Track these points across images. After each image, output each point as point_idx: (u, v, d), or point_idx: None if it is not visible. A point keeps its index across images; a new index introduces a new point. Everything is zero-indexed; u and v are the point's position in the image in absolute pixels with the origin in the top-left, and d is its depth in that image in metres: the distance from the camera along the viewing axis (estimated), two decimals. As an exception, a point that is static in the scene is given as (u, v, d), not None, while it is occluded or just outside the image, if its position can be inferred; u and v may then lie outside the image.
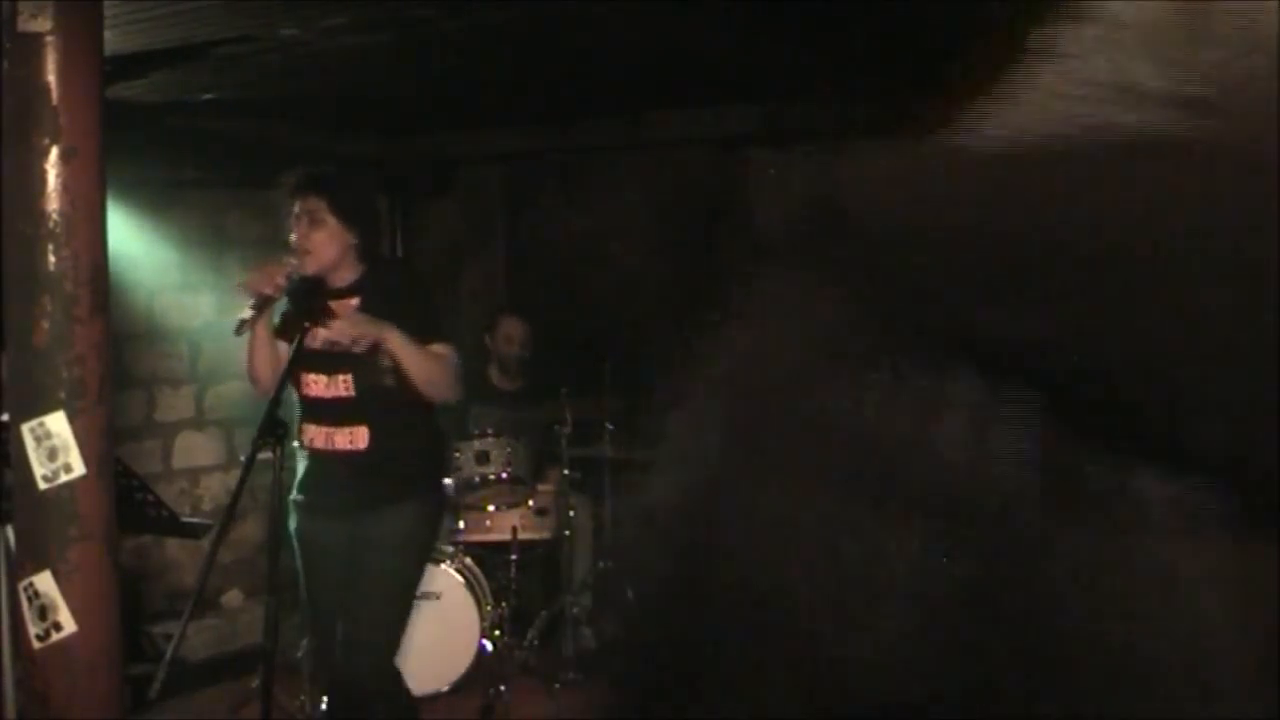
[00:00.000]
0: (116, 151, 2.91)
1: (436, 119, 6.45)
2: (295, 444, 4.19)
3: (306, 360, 4.05)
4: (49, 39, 2.69)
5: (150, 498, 3.89)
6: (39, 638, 2.78)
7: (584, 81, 5.25)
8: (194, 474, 6.45)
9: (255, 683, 4.89)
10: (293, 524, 4.22)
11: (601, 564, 6.01)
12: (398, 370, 3.96)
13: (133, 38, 3.86)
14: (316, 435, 4.11)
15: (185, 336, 6.40)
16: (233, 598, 6.32)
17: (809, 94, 5.06)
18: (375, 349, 3.98)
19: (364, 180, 4.29)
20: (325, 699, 4.88)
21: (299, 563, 4.26)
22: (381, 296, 4.04)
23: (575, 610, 5.84)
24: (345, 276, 4.11)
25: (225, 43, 4.04)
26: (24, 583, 2.78)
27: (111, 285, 2.88)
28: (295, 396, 4.14)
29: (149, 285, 6.15)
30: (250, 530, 6.36)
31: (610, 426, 6.04)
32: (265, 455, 3.76)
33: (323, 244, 4.03)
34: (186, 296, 6.39)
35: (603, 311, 5.95)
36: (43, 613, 2.76)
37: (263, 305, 3.91)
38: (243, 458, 3.52)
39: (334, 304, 4.06)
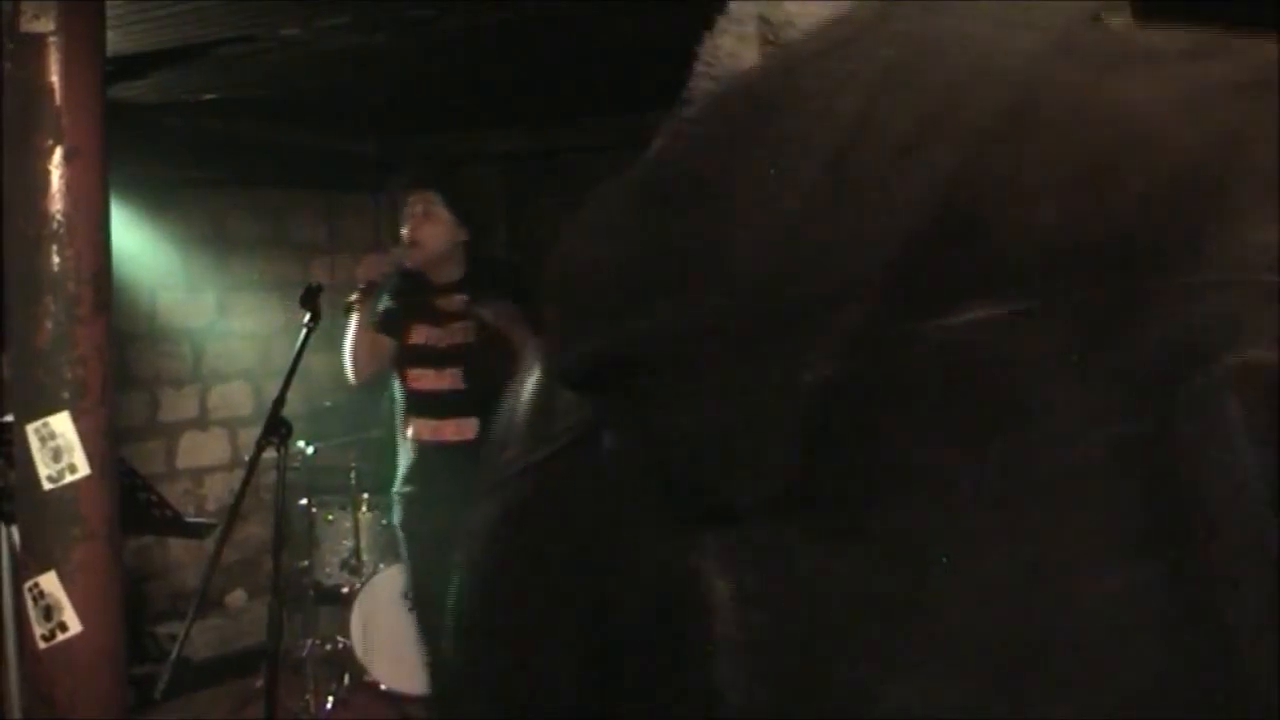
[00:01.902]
0: (118, 152, 2.91)
1: (436, 119, 6.44)
2: (400, 438, 4.34)
3: (412, 355, 4.22)
4: (51, 39, 2.69)
5: (154, 498, 3.91)
6: (44, 638, 2.78)
7: (584, 81, 5.25)
8: (198, 474, 6.46)
9: (259, 683, 4.91)
10: (397, 516, 4.37)
11: None
12: (507, 352, 3.98)
13: (134, 38, 3.86)
14: (424, 428, 4.24)
15: (188, 337, 6.42)
16: (236, 598, 6.34)
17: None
18: (484, 342, 4.09)
19: (481, 179, 4.42)
20: (330, 699, 4.90)
21: (404, 554, 4.41)
22: (486, 295, 4.14)
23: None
24: (452, 272, 4.24)
25: (226, 43, 4.05)
26: (29, 583, 2.78)
27: (114, 285, 2.88)
28: (402, 392, 4.28)
29: (151, 285, 6.17)
30: (254, 530, 6.36)
31: None
32: (269, 455, 3.81)
33: (433, 237, 4.17)
34: (189, 296, 6.40)
35: None
36: (48, 613, 2.76)
37: (369, 291, 4.11)
38: (246, 458, 3.53)
39: (440, 300, 4.21)
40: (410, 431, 4.28)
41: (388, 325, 4.24)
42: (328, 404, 6.66)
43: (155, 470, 6.04)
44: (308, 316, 3.89)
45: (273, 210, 6.79)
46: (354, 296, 4.12)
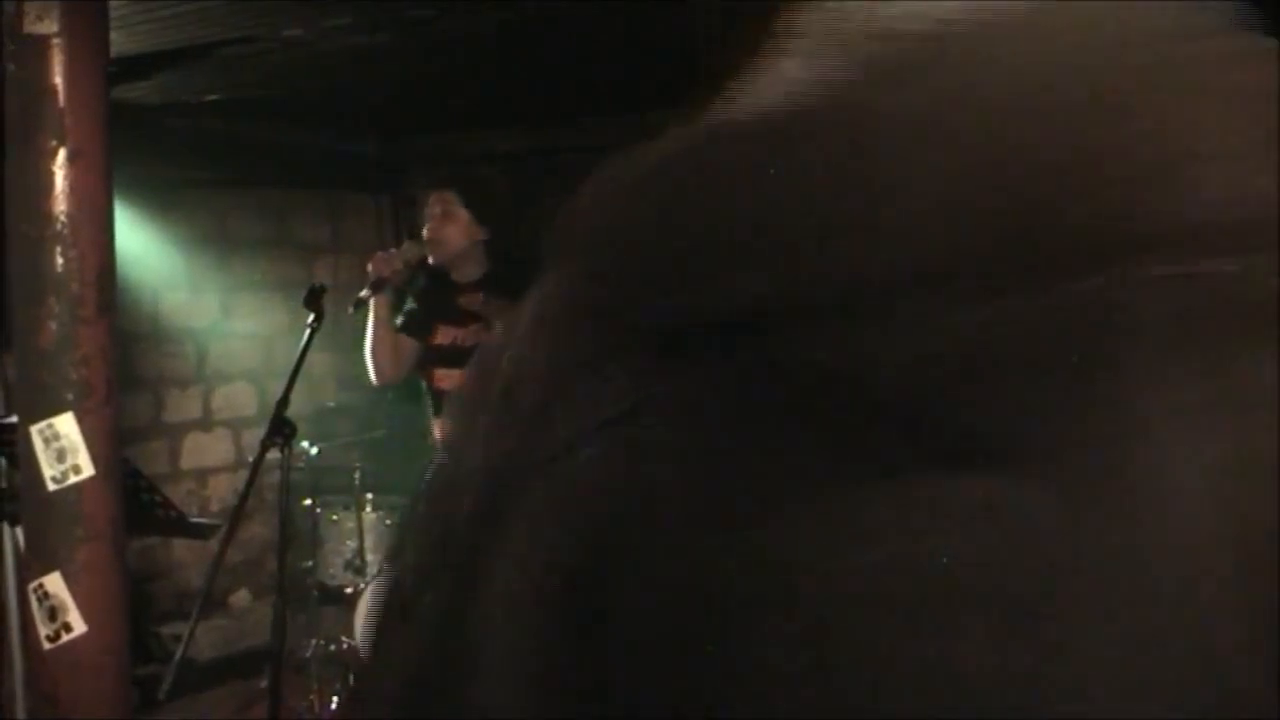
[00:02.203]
0: (121, 152, 2.92)
1: (438, 119, 6.46)
2: (429, 437, 4.35)
3: (438, 355, 4.25)
4: (55, 41, 2.70)
5: (158, 498, 3.91)
6: (49, 638, 2.78)
7: (584, 80, 5.26)
8: (202, 475, 6.47)
9: (263, 683, 4.91)
10: None
11: None
12: None
13: (137, 39, 3.87)
14: None
15: (191, 337, 6.42)
16: (240, 598, 6.34)
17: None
18: None
19: (499, 179, 4.44)
20: (334, 699, 4.90)
21: None
22: (506, 294, 4.11)
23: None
24: (471, 272, 4.26)
25: (228, 44, 4.06)
26: (33, 584, 2.78)
27: (117, 286, 2.88)
28: (427, 393, 4.32)
29: (154, 286, 6.17)
30: (258, 530, 6.37)
31: None
32: (273, 455, 3.81)
33: (453, 236, 4.19)
34: (192, 297, 6.40)
35: None
36: (53, 614, 2.77)
37: (379, 287, 4.09)
38: (250, 458, 3.54)
39: (463, 299, 4.23)
40: (439, 432, 4.27)
41: (411, 326, 4.28)
42: (331, 404, 6.68)
43: (159, 471, 6.04)
44: (311, 317, 3.89)
45: (275, 210, 6.79)
46: (364, 292, 4.11)
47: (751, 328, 0.61)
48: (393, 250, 4.25)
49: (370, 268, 4.14)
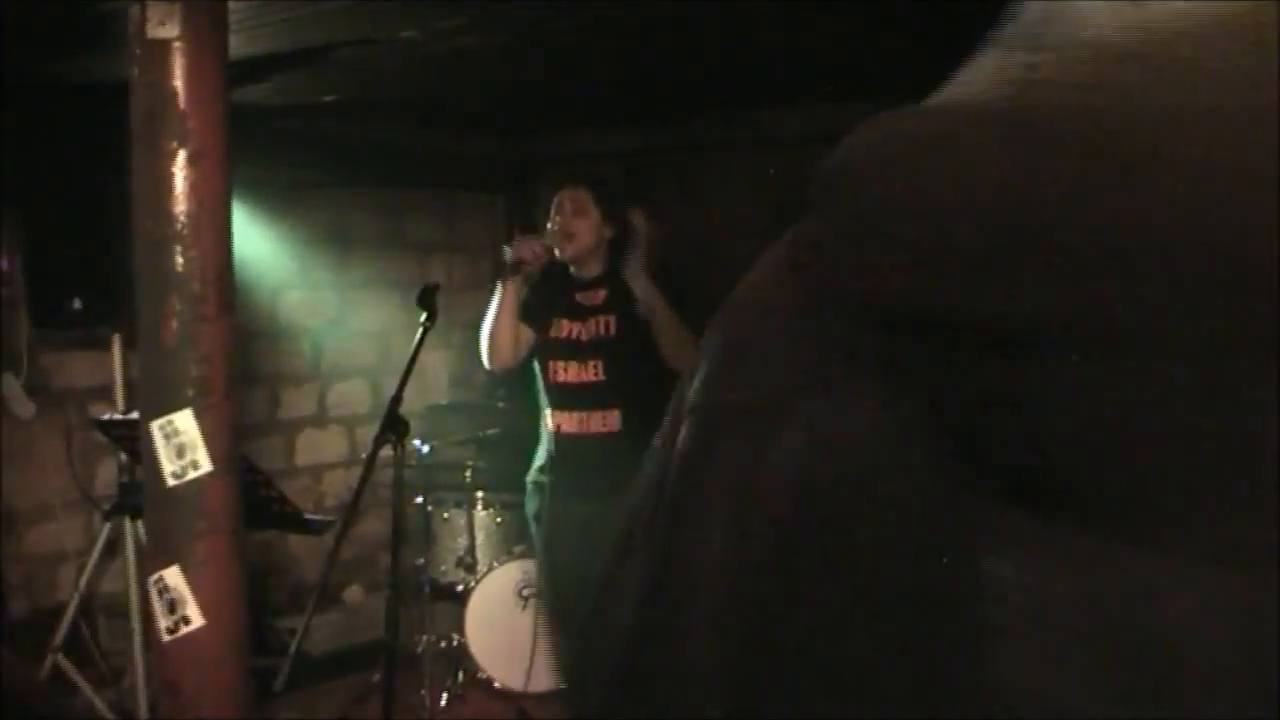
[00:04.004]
0: (240, 154, 2.96)
1: (554, 117, 6.47)
2: (541, 428, 4.44)
3: (554, 348, 4.36)
4: (176, 44, 2.75)
5: (274, 494, 3.97)
6: (169, 630, 2.84)
7: (700, 78, 5.24)
8: (317, 470, 6.57)
9: (376, 677, 4.97)
10: (532, 507, 4.45)
11: None
12: (647, 345, 4.16)
13: (255, 42, 3.93)
14: (567, 420, 4.34)
15: (308, 335, 6.52)
16: (354, 593, 6.42)
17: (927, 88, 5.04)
18: (624, 335, 4.23)
19: (622, 179, 4.58)
20: (445, 695, 4.94)
21: (539, 545, 4.46)
22: (626, 291, 4.26)
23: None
24: (593, 269, 4.38)
25: (345, 45, 4.10)
26: (154, 577, 2.84)
27: (236, 285, 2.92)
28: (543, 384, 4.40)
29: (272, 284, 6.28)
30: (372, 526, 6.45)
31: None
32: (386, 452, 3.86)
33: (584, 231, 4.30)
34: (309, 295, 6.51)
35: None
36: (172, 606, 2.82)
37: (516, 270, 4.23)
38: (364, 455, 3.57)
39: (582, 294, 4.36)
40: (552, 423, 4.36)
41: (530, 316, 4.35)
42: (443, 402, 6.76)
43: (275, 466, 6.13)
44: (424, 315, 3.93)
45: (391, 210, 6.86)
46: (509, 269, 4.22)
47: (984, 344, 0.59)
48: (536, 237, 4.32)
49: (510, 250, 4.23)
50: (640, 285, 4.21)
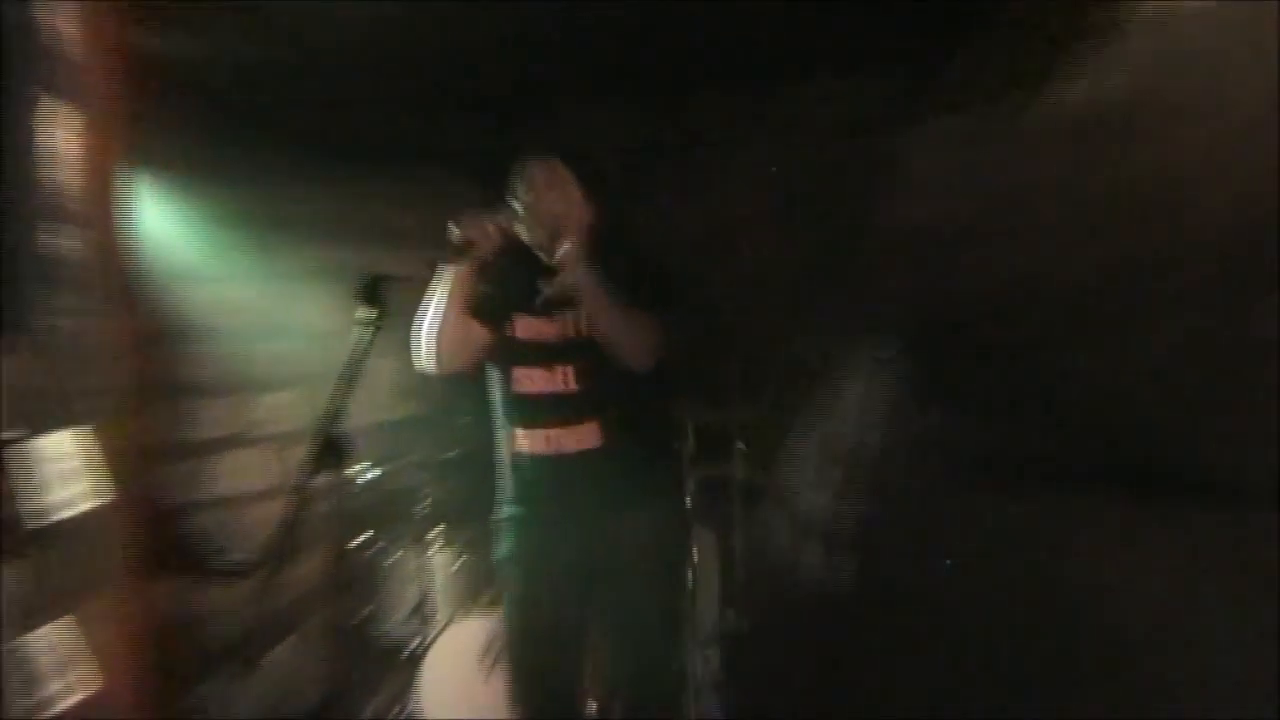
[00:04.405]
0: (147, 114, 2.93)
1: (541, 99, 6.45)
2: (502, 451, 4.40)
3: (515, 351, 4.31)
4: (64, -22, 2.72)
5: (187, 532, 3.94)
6: (54, 698, 2.79)
7: (698, 53, 5.25)
8: (239, 502, 6.45)
9: (313, 753, 4.93)
10: (500, 548, 4.40)
11: (730, 615, 5.95)
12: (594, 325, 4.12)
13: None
14: (533, 439, 4.29)
15: (229, 336, 6.44)
16: (285, 652, 6.37)
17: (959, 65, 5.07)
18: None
19: (610, 158, 4.51)
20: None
21: (513, 590, 4.40)
22: (608, 277, 4.18)
23: (701, 673, 5.80)
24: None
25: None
26: (32, 634, 2.80)
27: (139, 274, 2.89)
28: (503, 396, 4.38)
29: (186, 275, 6.16)
30: (306, 571, 6.34)
31: (741, 444, 5.99)
32: (324, 479, 3.82)
33: (558, 211, 4.27)
34: (231, 288, 6.45)
35: (729, 311, 5.96)
36: (58, 668, 2.78)
37: (461, 254, 4.17)
38: (297, 483, 3.55)
39: (546, 284, 4.32)
40: (518, 443, 4.32)
41: (485, 311, 4.30)
42: (395, 418, 6.70)
43: (188, 497, 5.96)
44: (368, 312, 3.89)
45: (339, 188, 6.81)
46: (453, 253, 4.19)
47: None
48: (488, 214, 4.26)
49: (455, 229, 4.17)
50: (574, 271, 4.17)
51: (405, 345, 6.61)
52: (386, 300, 3.95)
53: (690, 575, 5.81)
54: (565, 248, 4.14)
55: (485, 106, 6.86)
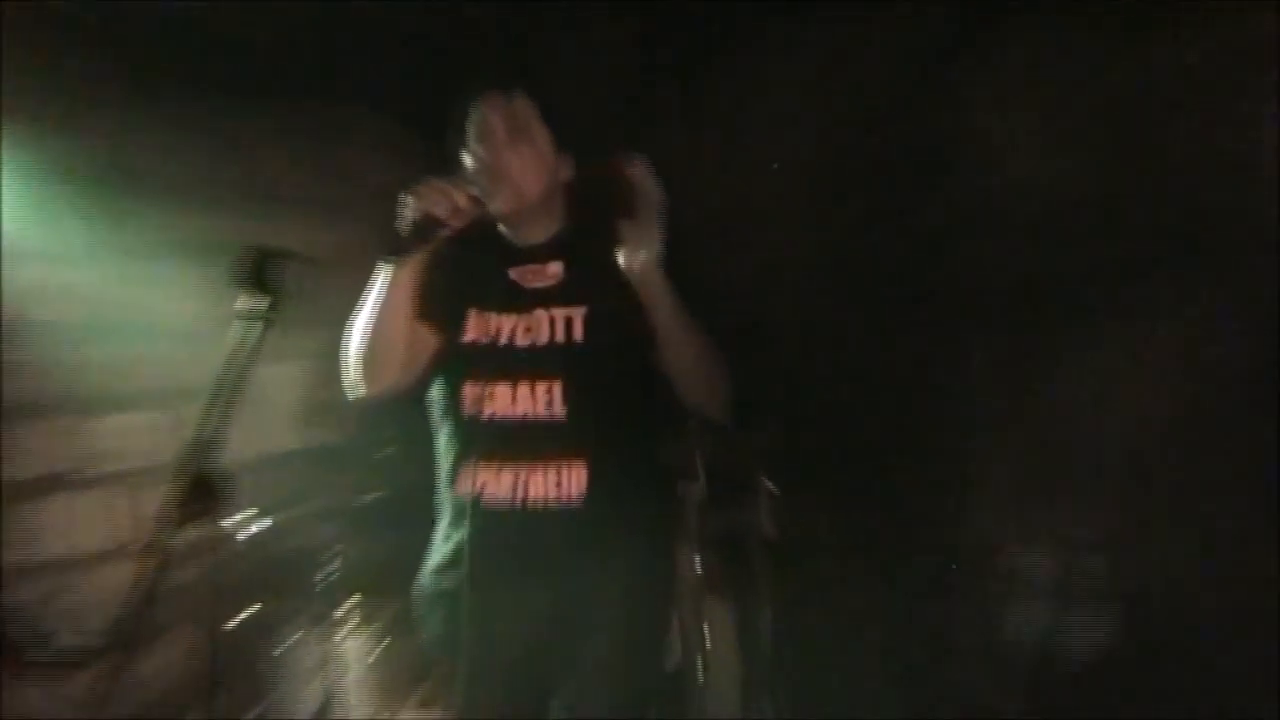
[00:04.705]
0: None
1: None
2: (446, 493, 4.36)
3: (476, 360, 4.23)
4: None
5: (-5, 608, 3.87)
6: None
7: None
8: (71, 566, 6.38)
9: None
10: (435, 627, 4.38)
11: (757, 712, 5.96)
12: (632, 356, 4.13)
13: None
14: (495, 480, 4.22)
15: (59, 336, 6.33)
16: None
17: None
18: (598, 334, 4.17)
19: (587, 84, 4.53)
20: None
21: (452, 691, 4.32)
22: (594, 266, 4.15)
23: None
24: (544, 229, 4.34)
25: None
26: None
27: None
28: (452, 421, 4.32)
29: (3, 251, 6.04)
30: (165, 661, 6.24)
31: (769, 483, 5.97)
32: (194, 533, 3.71)
33: (529, 168, 4.19)
34: (65, 270, 6.33)
35: (751, 301, 5.91)
36: None
37: (424, 234, 3.98)
38: (154, 539, 3.49)
39: (520, 273, 4.29)
40: (469, 484, 4.23)
41: (432, 309, 4.18)
42: (294, 448, 6.62)
43: None
44: (255, 301, 3.79)
45: (213, 131, 6.75)
46: (409, 238, 4.00)
47: None
48: (452, 182, 4.05)
49: (412, 203, 3.97)
50: (644, 275, 4.05)
51: (307, 348, 6.60)
52: (279, 285, 3.83)
53: (700, 662, 5.78)
54: (637, 231, 4.05)
55: (421, 22, 6.84)
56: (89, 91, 6.22)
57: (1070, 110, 5.41)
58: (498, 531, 4.17)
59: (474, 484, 4.22)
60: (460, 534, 4.24)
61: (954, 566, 5.01)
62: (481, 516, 4.19)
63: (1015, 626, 5.38)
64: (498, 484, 4.18)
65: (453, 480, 4.29)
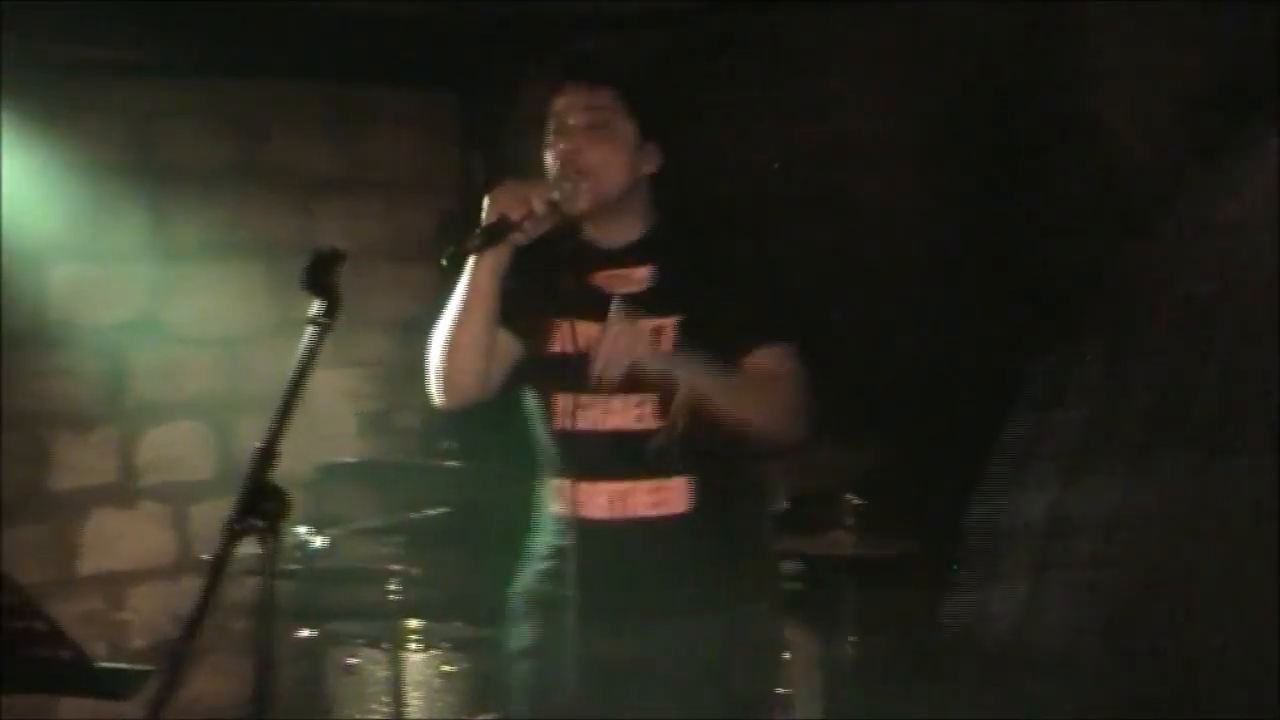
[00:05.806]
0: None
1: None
2: (549, 511, 4.32)
3: (563, 372, 4.14)
4: None
5: (39, 626, 3.81)
6: None
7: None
8: (116, 583, 6.40)
9: None
10: (523, 640, 4.34)
11: None
12: (733, 359, 4.07)
13: None
14: (592, 497, 4.18)
15: (101, 341, 6.34)
16: (185, 803, 6.27)
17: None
18: (696, 339, 4.05)
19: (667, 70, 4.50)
20: None
21: (529, 702, 4.37)
22: (685, 269, 4.11)
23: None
24: (628, 230, 4.24)
25: None
26: None
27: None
28: (545, 434, 4.27)
29: (34, 253, 6.07)
30: (215, 683, 6.22)
31: (856, 500, 5.93)
32: (246, 550, 3.66)
33: (611, 165, 4.11)
34: (101, 272, 6.33)
35: (825, 292, 5.84)
36: None
37: (497, 237, 3.94)
38: (206, 556, 3.45)
39: (610, 277, 4.16)
40: (565, 502, 4.20)
41: (514, 318, 4.14)
42: (349, 461, 6.59)
43: (42, 577, 5.97)
44: (316, 306, 3.74)
45: (246, 118, 6.74)
46: (474, 239, 3.93)
47: None
48: (528, 182, 4.02)
49: (488, 204, 3.94)
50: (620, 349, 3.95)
51: (361, 355, 6.59)
52: (339, 289, 3.77)
53: (782, 692, 5.73)
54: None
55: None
56: (122, 73, 6.23)
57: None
58: (601, 548, 4.14)
59: (570, 499, 4.19)
60: (559, 546, 4.22)
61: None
62: (582, 533, 4.17)
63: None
64: (597, 500, 4.17)
65: (547, 495, 4.29)
